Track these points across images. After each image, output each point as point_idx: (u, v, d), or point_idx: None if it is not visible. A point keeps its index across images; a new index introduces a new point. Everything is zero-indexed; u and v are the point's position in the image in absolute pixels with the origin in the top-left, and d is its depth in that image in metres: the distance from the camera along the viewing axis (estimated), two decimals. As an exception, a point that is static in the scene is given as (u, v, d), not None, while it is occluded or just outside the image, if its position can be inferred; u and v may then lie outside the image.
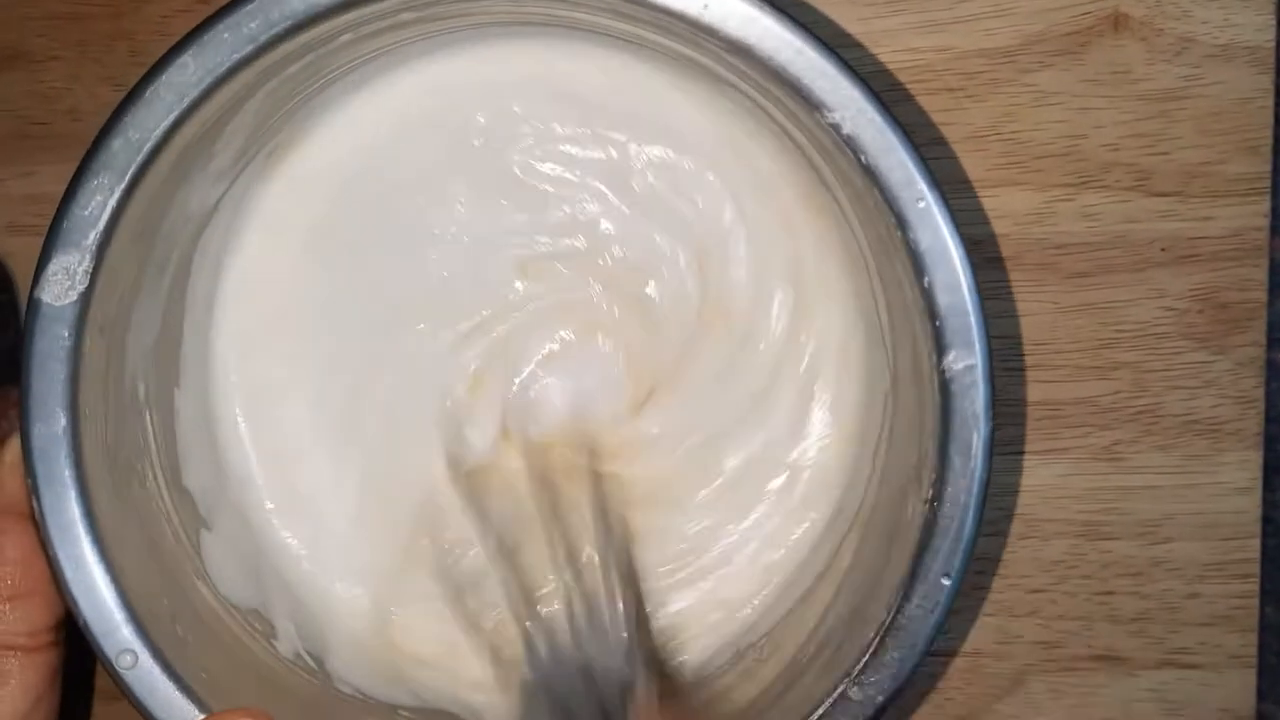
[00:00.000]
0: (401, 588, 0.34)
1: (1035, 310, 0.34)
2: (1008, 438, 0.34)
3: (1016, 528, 0.34)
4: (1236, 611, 0.34)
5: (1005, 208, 0.33)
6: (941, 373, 0.28)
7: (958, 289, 0.27)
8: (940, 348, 0.27)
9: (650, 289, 0.33)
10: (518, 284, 0.33)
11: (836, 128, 0.27)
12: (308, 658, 0.32)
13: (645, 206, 0.33)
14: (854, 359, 0.33)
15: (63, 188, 0.34)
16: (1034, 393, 0.34)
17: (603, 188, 0.33)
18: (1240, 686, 0.34)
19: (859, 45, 0.33)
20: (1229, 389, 0.34)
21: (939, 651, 0.34)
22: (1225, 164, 0.33)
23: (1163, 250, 0.33)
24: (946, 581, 0.28)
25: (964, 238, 0.27)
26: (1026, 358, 0.34)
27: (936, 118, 0.33)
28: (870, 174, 0.27)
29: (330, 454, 0.34)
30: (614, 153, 0.33)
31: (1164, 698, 0.34)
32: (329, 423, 0.33)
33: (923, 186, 0.27)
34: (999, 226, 0.33)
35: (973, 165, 0.33)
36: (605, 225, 0.33)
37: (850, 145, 0.27)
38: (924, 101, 0.33)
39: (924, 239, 0.27)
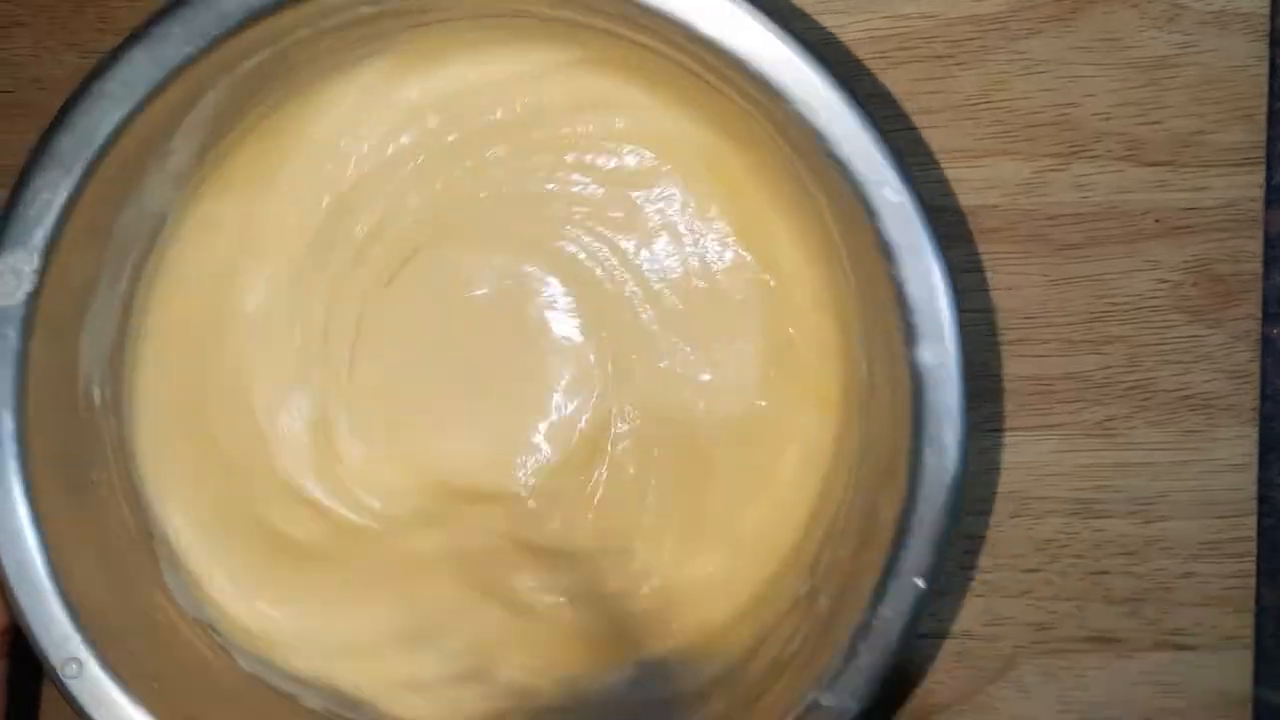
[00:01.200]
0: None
1: (1025, 283, 0.33)
2: (992, 414, 0.33)
3: (1007, 506, 0.33)
4: (1233, 591, 0.33)
5: (995, 178, 0.33)
6: (914, 366, 0.27)
7: (929, 281, 0.27)
8: (911, 341, 0.27)
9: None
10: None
11: (804, 119, 0.27)
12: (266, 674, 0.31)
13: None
14: (830, 360, 0.32)
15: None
16: (1024, 367, 0.33)
17: (579, 193, 0.33)
18: (1236, 668, 0.33)
19: (844, 13, 0.33)
20: (1223, 363, 0.33)
21: (926, 634, 0.33)
22: (1219, 133, 0.32)
23: (1156, 221, 0.33)
24: (920, 583, 0.27)
25: (937, 231, 0.27)
26: (1015, 331, 0.33)
27: (924, 86, 0.33)
28: (840, 165, 0.27)
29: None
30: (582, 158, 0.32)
31: (1159, 680, 0.33)
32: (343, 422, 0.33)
33: (894, 176, 0.27)
34: (988, 197, 0.33)
35: (961, 134, 0.33)
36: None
37: (820, 138, 0.27)
38: (912, 69, 0.33)
39: (894, 230, 0.27)
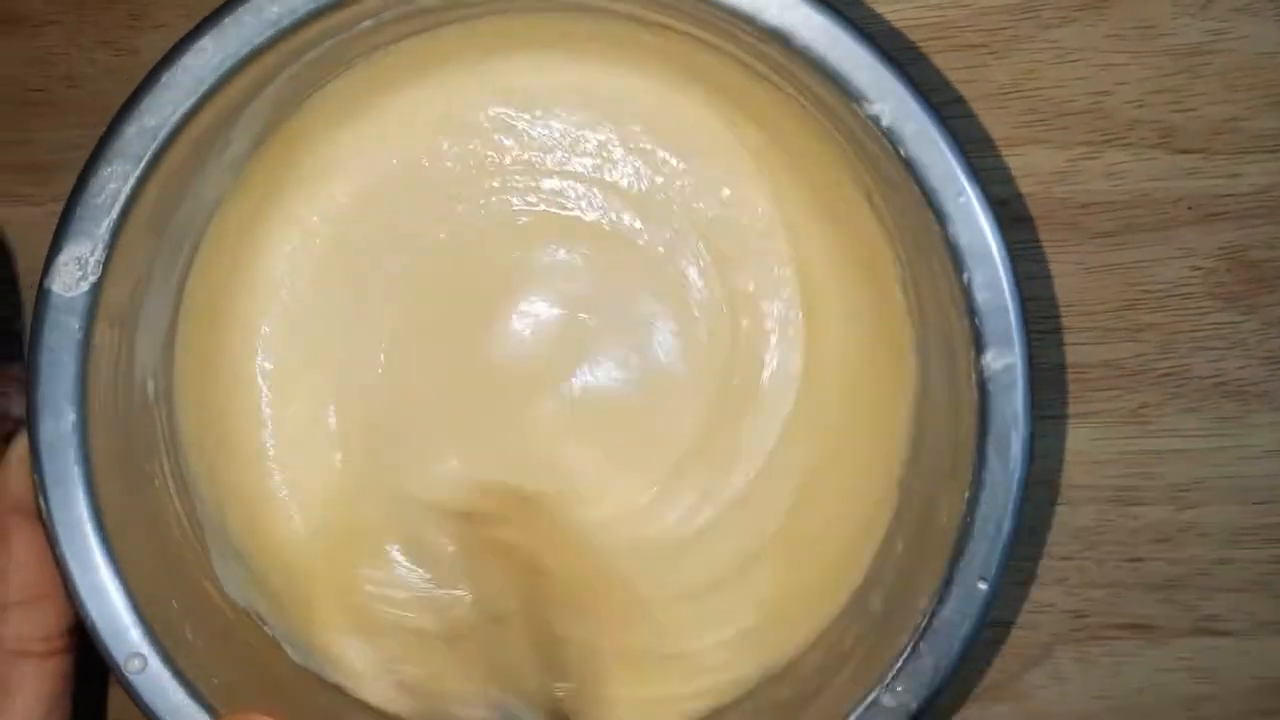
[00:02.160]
0: None
1: (1060, 271, 0.33)
2: (1042, 400, 0.33)
3: (1042, 494, 0.33)
4: (1269, 577, 0.33)
5: (1029, 167, 0.33)
6: (980, 371, 0.27)
7: (998, 286, 0.27)
8: (979, 346, 0.27)
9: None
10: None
11: (877, 119, 0.27)
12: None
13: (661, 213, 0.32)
14: (866, 368, 0.32)
15: (59, 156, 0.33)
16: (1059, 355, 0.33)
17: (623, 201, 0.32)
18: (1274, 654, 0.33)
19: (877, 2, 0.33)
20: (1257, 349, 0.33)
21: (965, 623, 0.34)
22: (1252, 120, 0.32)
23: (1189, 209, 0.33)
24: (983, 586, 0.27)
25: (1005, 235, 0.27)
26: (1050, 320, 0.33)
27: (957, 75, 0.33)
28: (910, 167, 0.27)
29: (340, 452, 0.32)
30: (639, 162, 0.32)
31: (1195, 666, 0.33)
32: (343, 423, 0.32)
33: (963, 181, 0.27)
34: (1022, 186, 0.33)
35: (995, 123, 0.33)
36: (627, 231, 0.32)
37: (890, 138, 0.26)
38: (945, 59, 0.33)
39: (964, 235, 0.27)
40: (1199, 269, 0.33)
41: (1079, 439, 0.33)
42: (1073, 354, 0.33)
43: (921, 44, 0.33)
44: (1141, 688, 0.34)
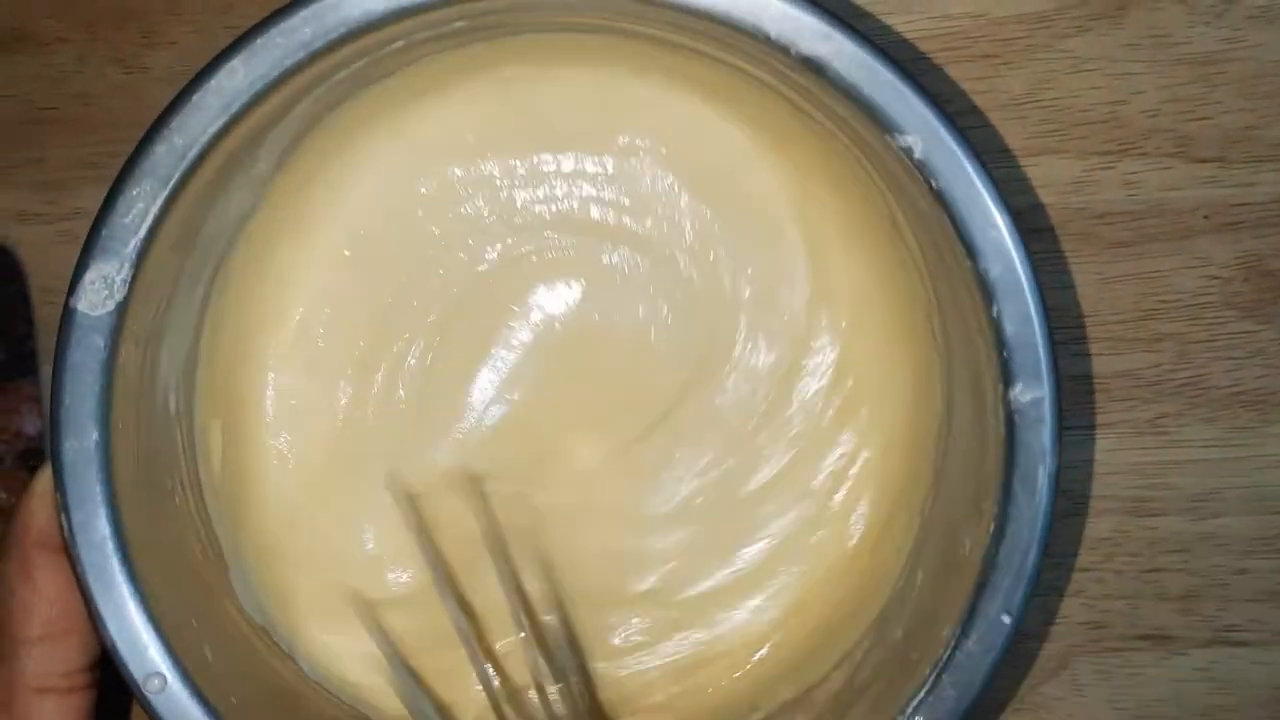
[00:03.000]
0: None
1: (1076, 282, 0.33)
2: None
3: (1061, 505, 0.33)
4: (1287, 587, 0.33)
5: (1045, 177, 0.33)
6: (1008, 405, 0.27)
7: (1028, 320, 0.26)
8: (1007, 379, 0.27)
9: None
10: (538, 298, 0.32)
11: (909, 151, 0.26)
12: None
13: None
14: (898, 394, 0.32)
15: (71, 174, 0.33)
16: (1076, 366, 0.33)
17: (643, 212, 0.32)
18: (1292, 664, 0.33)
19: (891, 13, 0.32)
20: (1276, 359, 0.33)
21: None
22: (1268, 128, 0.32)
23: (1205, 218, 0.33)
24: (1007, 620, 0.27)
25: (1036, 269, 0.27)
26: (1067, 331, 0.33)
27: (972, 86, 0.32)
28: (941, 199, 0.26)
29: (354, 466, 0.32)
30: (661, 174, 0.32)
31: (1213, 677, 0.33)
32: (354, 435, 0.32)
33: (995, 214, 0.26)
34: (1038, 197, 0.33)
35: (1010, 134, 0.32)
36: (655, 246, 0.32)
37: (921, 170, 0.26)
38: (959, 70, 0.32)
39: (994, 268, 0.26)
40: (1216, 278, 0.33)
41: (1097, 450, 0.33)
42: (1090, 365, 0.33)
43: (935, 55, 0.32)
44: (1160, 698, 0.33)
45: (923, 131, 0.26)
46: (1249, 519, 0.33)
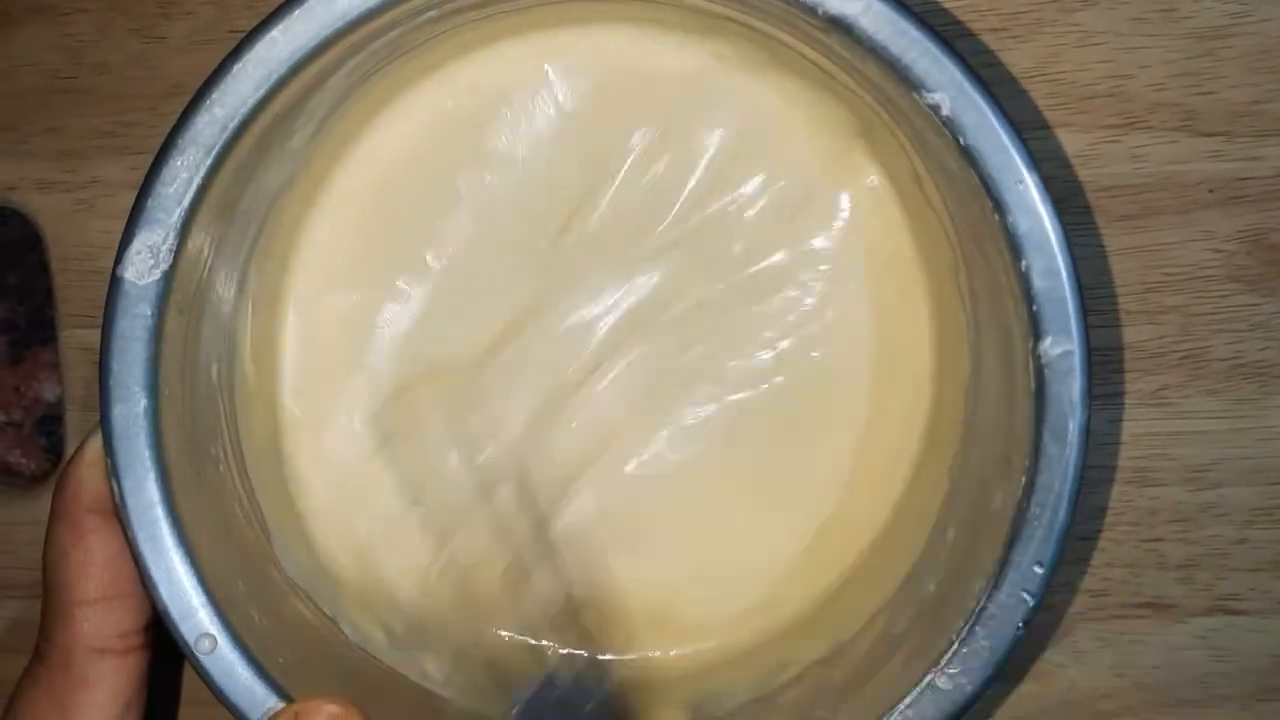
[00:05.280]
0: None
1: (1081, 254, 0.33)
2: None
3: (1063, 475, 0.34)
4: (1286, 556, 0.34)
5: (1052, 150, 0.33)
6: (1037, 358, 0.27)
7: (1056, 273, 0.27)
8: (1037, 333, 0.27)
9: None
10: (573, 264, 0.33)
11: (936, 109, 0.27)
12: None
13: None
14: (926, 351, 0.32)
15: (90, 143, 0.34)
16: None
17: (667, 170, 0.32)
18: (1289, 632, 0.34)
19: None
20: (1277, 331, 0.33)
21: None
22: (1273, 102, 0.33)
23: (1210, 191, 0.33)
24: (1039, 570, 0.27)
25: (1064, 224, 0.27)
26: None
27: (980, 60, 0.33)
28: (969, 156, 0.27)
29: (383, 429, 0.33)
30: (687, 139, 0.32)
31: (1212, 644, 0.34)
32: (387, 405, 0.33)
33: (1022, 168, 0.27)
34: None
35: (1018, 107, 0.33)
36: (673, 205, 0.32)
37: (949, 127, 0.27)
38: (967, 43, 0.33)
39: (1022, 222, 0.27)
40: (1220, 251, 0.33)
41: (1099, 421, 0.33)
42: (1095, 337, 0.32)
43: (944, 29, 0.33)
44: (1159, 665, 0.34)
45: (950, 89, 0.27)
46: (1249, 490, 0.33)
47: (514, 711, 0.32)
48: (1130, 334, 0.33)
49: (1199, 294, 0.33)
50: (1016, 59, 0.33)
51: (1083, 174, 0.33)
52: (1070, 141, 0.33)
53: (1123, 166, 0.33)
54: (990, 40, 0.33)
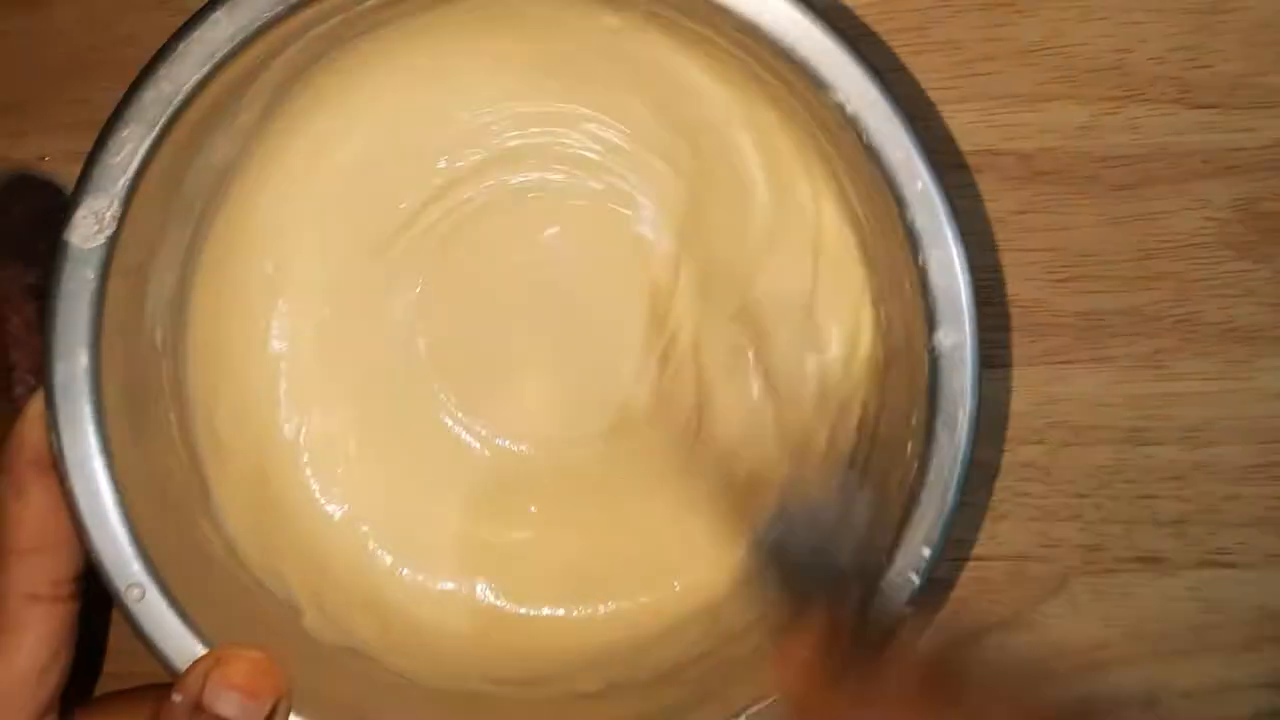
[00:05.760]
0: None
1: (1081, 222, 0.34)
2: (1049, 348, 0.35)
3: (1061, 435, 0.35)
4: (1275, 513, 0.35)
5: (1054, 122, 0.34)
6: (932, 350, 0.29)
7: (951, 268, 0.28)
8: (931, 324, 0.29)
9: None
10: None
11: (841, 108, 0.28)
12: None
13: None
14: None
15: None
16: (1080, 303, 0.35)
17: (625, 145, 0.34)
18: (1277, 585, 0.35)
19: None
20: (1268, 297, 0.34)
21: (986, 556, 0.35)
22: (1268, 76, 0.34)
23: (1204, 162, 0.34)
24: (927, 551, 0.29)
25: (959, 218, 0.28)
26: (1072, 269, 0.35)
27: (988, 33, 0.34)
28: (871, 154, 0.28)
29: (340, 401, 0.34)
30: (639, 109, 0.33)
31: (1202, 596, 0.35)
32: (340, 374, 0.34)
33: (921, 168, 0.28)
34: (1047, 140, 0.34)
35: (1022, 80, 0.34)
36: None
37: (853, 125, 0.28)
38: (975, 17, 0.34)
39: (920, 219, 0.28)
40: (1214, 219, 0.34)
41: (1097, 383, 0.35)
42: (1093, 301, 0.35)
43: (954, 2, 0.34)
44: (1152, 616, 0.35)
45: (854, 89, 0.28)
46: (1240, 448, 0.35)
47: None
48: (1128, 299, 0.35)
49: (1193, 260, 0.34)
50: (1022, 33, 0.34)
51: (1083, 145, 0.34)
52: (1072, 113, 0.34)
53: (1121, 137, 0.34)
54: (997, 15, 0.34)
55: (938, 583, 0.33)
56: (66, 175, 0.35)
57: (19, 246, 0.36)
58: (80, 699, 0.32)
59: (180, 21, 0.34)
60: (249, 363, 0.34)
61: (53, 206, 0.35)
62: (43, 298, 0.36)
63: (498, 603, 0.34)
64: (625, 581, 0.34)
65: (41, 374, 0.36)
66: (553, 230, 0.34)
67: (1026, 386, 0.35)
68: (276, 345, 0.34)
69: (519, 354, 0.35)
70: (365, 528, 0.34)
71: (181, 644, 0.29)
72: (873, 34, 0.34)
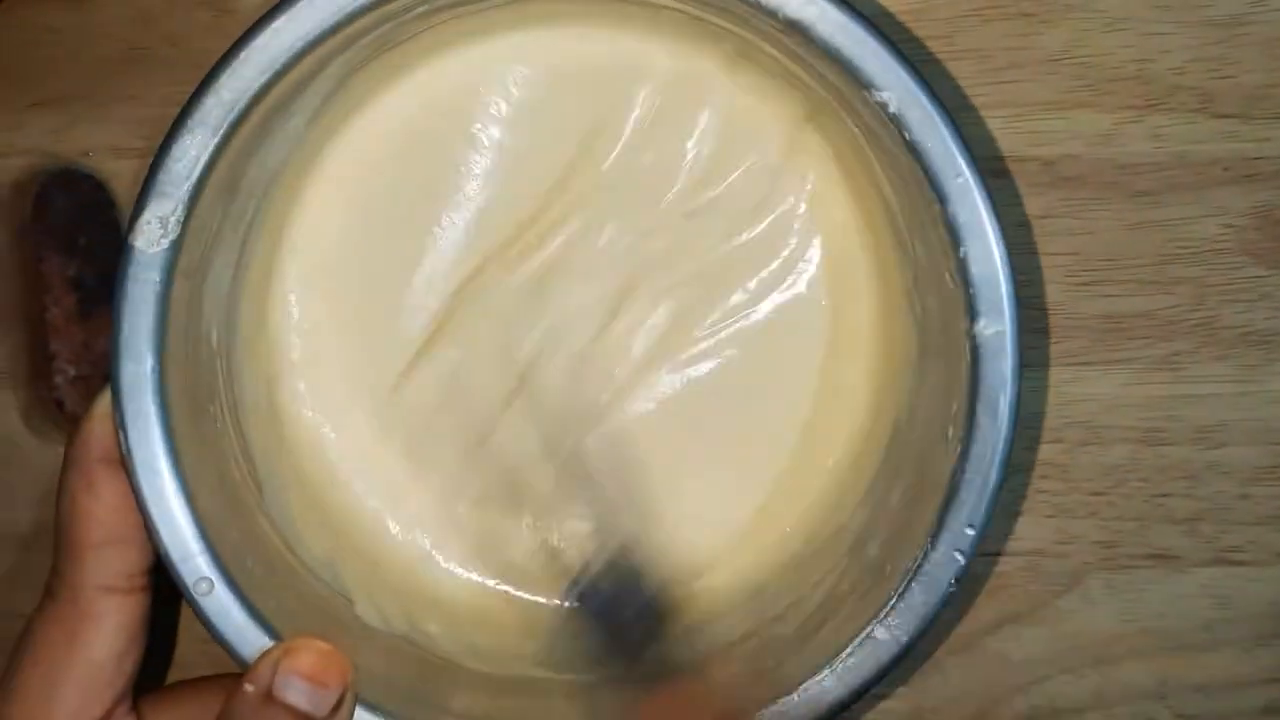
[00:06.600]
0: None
1: (1102, 228, 0.35)
2: (1069, 350, 0.36)
3: (1078, 434, 0.36)
4: (1285, 512, 0.36)
5: (1076, 129, 0.35)
6: (973, 338, 0.29)
7: (991, 260, 0.29)
8: (972, 314, 0.29)
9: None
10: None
11: (884, 106, 0.29)
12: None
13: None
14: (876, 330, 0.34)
15: (165, 111, 0.34)
16: (1100, 306, 0.35)
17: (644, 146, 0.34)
18: (1287, 583, 0.36)
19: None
20: (1283, 302, 0.35)
21: (1002, 551, 0.36)
22: (1287, 87, 0.35)
23: (1224, 170, 0.35)
24: (971, 531, 0.30)
25: (999, 213, 0.29)
26: (1093, 273, 0.35)
27: (1013, 42, 0.34)
28: (914, 150, 0.29)
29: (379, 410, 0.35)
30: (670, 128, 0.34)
31: (1214, 593, 0.36)
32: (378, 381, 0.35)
33: (961, 164, 0.29)
34: (1071, 147, 0.35)
35: (1047, 88, 0.35)
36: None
37: (896, 123, 0.29)
38: (1001, 26, 0.34)
39: (961, 213, 0.29)
40: (1232, 226, 0.35)
41: (1114, 384, 0.36)
42: (1112, 305, 0.35)
43: (981, 12, 0.34)
44: (1164, 612, 0.36)
45: (896, 88, 0.29)
46: (1252, 449, 0.36)
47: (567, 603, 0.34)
48: (1146, 303, 0.35)
49: (1211, 266, 0.35)
50: (1046, 42, 0.35)
51: (1105, 152, 0.35)
52: (1094, 121, 0.35)
53: (1143, 145, 0.35)
54: (1021, 25, 0.34)
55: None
56: (109, 170, 0.35)
57: (60, 239, 0.37)
58: (147, 689, 0.32)
59: (223, 20, 0.35)
60: (278, 356, 0.35)
61: (94, 200, 0.36)
62: (82, 289, 0.37)
63: (537, 599, 0.35)
64: (667, 568, 0.35)
65: (80, 363, 0.37)
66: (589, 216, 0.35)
67: (1046, 386, 0.36)
68: (312, 348, 0.35)
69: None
70: (414, 529, 0.35)
71: (248, 635, 0.30)
72: (906, 39, 0.35)
